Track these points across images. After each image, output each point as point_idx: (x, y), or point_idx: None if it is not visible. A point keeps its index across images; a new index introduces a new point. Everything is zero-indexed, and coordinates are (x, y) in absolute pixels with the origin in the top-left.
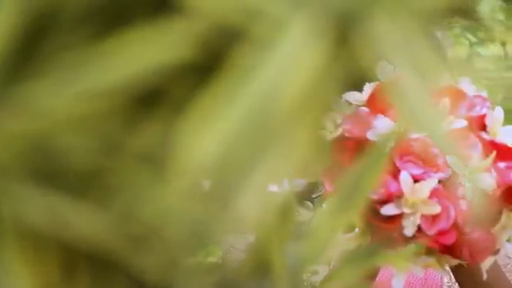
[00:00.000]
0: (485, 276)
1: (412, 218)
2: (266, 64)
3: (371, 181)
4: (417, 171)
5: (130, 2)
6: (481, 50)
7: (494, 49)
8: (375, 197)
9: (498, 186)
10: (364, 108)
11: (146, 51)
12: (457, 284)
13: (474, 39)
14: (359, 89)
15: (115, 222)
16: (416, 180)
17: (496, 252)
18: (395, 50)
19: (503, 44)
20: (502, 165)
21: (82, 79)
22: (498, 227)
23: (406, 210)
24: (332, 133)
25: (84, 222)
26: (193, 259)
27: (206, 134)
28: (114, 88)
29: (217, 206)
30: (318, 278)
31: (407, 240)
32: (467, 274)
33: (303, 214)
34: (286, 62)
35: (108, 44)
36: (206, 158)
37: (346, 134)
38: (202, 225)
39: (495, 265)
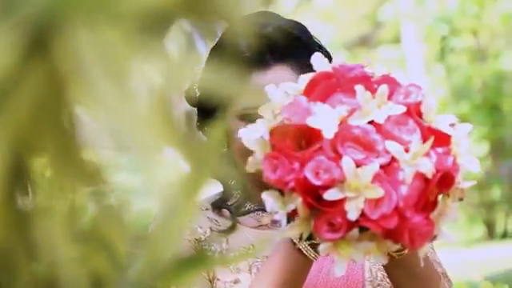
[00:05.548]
0: (422, 263)
1: (355, 202)
2: None
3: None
4: (358, 156)
5: None
6: (453, 42)
7: (466, 40)
8: (318, 182)
9: (437, 171)
10: (301, 97)
11: None
12: (378, 278)
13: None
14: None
15: None
16: (358, 165)
17: (434, 238)
18: (89, 57)
19: (475, 35)
20: (439, 150)
21: None
22: (435, 213)
23: (349, 195)
24: (270, 122)
25: None
26: None
27: None
28: None
29: None
30: (240, 287)
31: (351, 225)
32: (399, 265)
33: (221, 222)
34: None
35: None
36: None
37: (286, 122)
38: None
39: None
